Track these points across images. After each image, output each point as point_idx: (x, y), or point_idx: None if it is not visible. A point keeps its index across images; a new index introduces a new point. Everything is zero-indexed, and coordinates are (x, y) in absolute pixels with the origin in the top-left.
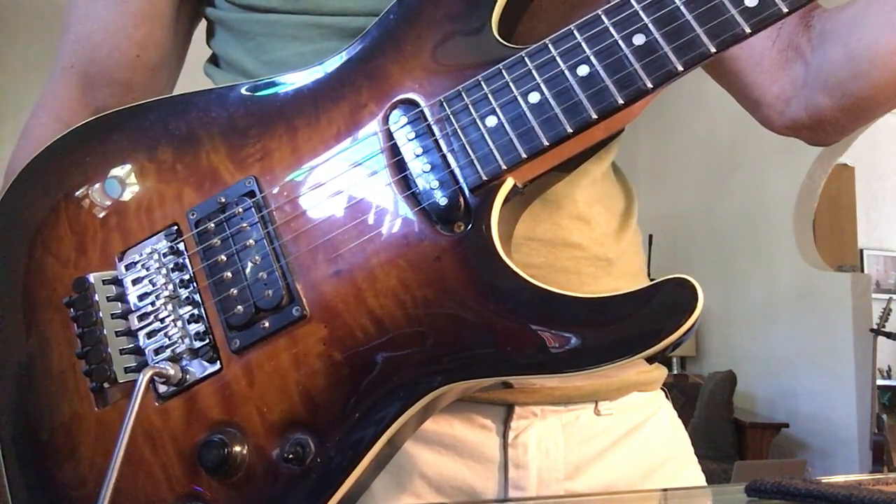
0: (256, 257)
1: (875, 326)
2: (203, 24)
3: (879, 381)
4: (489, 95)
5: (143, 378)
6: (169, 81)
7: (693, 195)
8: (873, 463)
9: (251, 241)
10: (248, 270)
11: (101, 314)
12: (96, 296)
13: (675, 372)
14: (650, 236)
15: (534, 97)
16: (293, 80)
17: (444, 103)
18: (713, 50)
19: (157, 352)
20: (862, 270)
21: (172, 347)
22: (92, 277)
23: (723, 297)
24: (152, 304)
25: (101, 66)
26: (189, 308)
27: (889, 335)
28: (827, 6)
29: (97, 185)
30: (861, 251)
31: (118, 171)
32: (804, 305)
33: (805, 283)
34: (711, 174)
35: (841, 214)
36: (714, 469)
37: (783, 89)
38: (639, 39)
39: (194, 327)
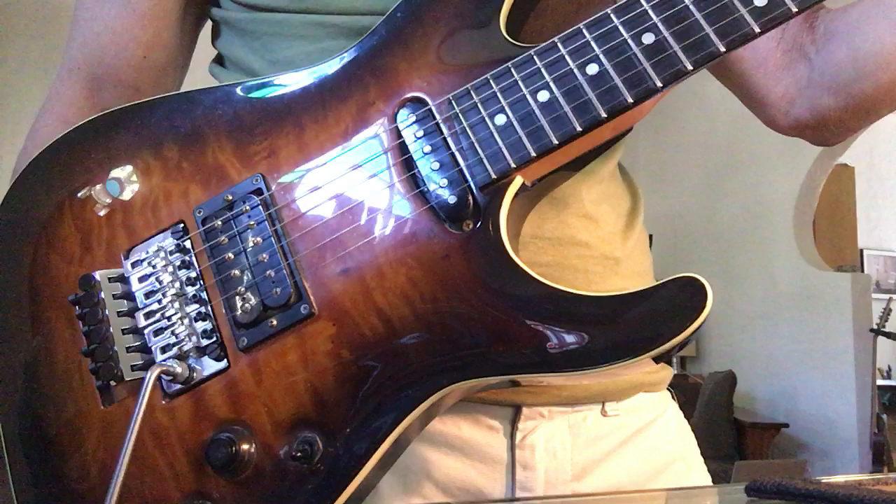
0: (264, 255)
1: (875, 326)
2: (208, 25)
3: (879, 381)
4: (498, 94)
5: (151, 376)
6: (175, 82)
7: (693, 195)
8: (873, 463)
9: (258, 238)
10: (255, 268)
11: (107, 312)
12: (102, 293)
13: (675, 372)
14: (650, 236)
15: (543, 95)
16: (300, 78)
17: (453, 101)
18: (723, 49)
19: (163, 350)
20: (862, 270)
21: (179, 345)
22: (98, 275)
23: (723, 297)
24: (159, 301)
25: (108, 68)
26: (196, 306)
27: (889, 335)
28: (832, 6)
29: (102, 183)
30: (861, 251)
31: (123, 169)
32: (804, 305)
33: (805, 283)
34: (711, 174)
35: (841, 214)
36: (714, 469)
37: (787, 89)
38: (648, 38)
39: (201, 325)
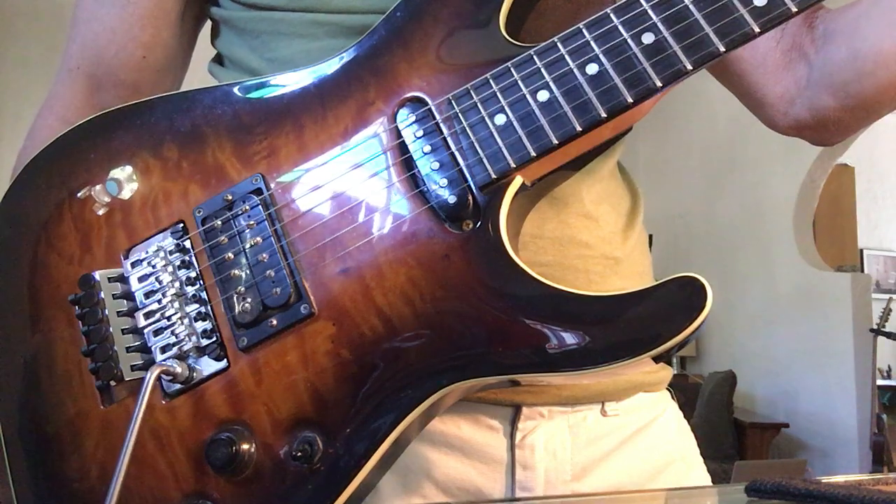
0: (263, 255)
1: (875, 326)
2: (207, 25)
3: (879, 381)
4: (498, 94)
5: (151, 376)
6: (175, 82)
7: (693, 195)
8: (873, 463)
9: (258, 238)
10: (255, 268)
11: (107, 312)
12: (102, 293)
13: (675, 372)
14: (650, 236)
15: (543, 95)
16: (299, 78)
17: (453, 101)
18: (722, 49)
19: (163, 350)
20: (862, 270)
21: (179, 345)
22: (97, 275)
23: (723, 297)
24: (159, 301)
25: (108, 68)
26: (196, 306)
27: (889, 335)
28: (831, 6)
29: (102, 182)
30: (861, 251)
31: (123, 169)
32: (804, 305)
33: (805, 283)
34: (711, 174)
35: (841, 214)
36: (714, 469)
37: (787, 90)
38: (648, 38)
39: (201, 325)
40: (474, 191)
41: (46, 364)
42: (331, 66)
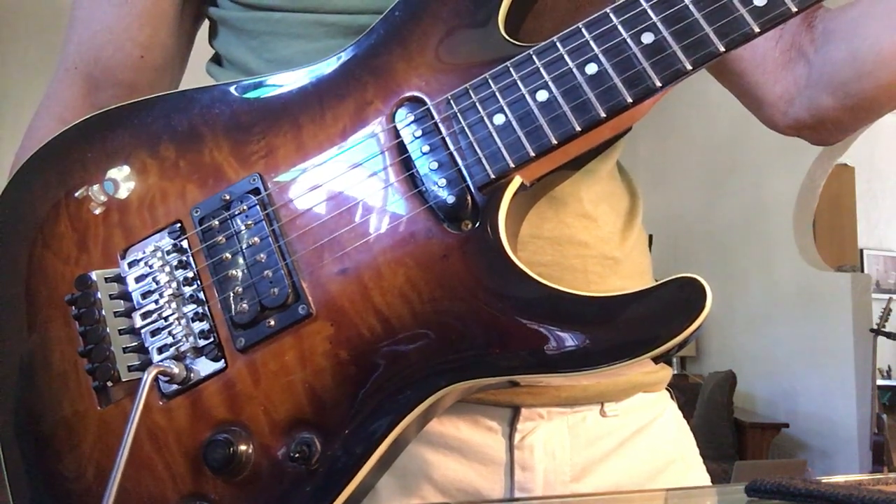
0: (261, 255)
1: (875, 326)
2: (205, 25)
3: (879, 381)
4: (497, 93)
5: (148, 377)
6: (172, 82)
7: (693, 195)
8: (873, 463)
9: (256, 238)
10: (252, 268)
11: (103, 312)
12: (99, 293)
13: (675, 372)
14: (650, 236)
15: (542, 95)
16: (297, 77)
17: (452, 101)
18: (722, 49)
19: (160, 350)
20: (862, 270)
21: (176, 346)
22: (94, 275)
23: (723, 297)
24: (156, 302)
25: (105, 68)
26: (193, 306)
27: (889, 335)
28: (830, 6)
29: (99, 182)
30: (861, 251)
31: (120, 168)
32: (804, 305)
33: (805, 283)
34: (711, 174)
35: (841, 214)
36: (714, 469)
37: (786, 89)
38: (647, 38)
39: (198, 326)
40: (473, 191)
41: (43, 364)
42: (329, 66)
